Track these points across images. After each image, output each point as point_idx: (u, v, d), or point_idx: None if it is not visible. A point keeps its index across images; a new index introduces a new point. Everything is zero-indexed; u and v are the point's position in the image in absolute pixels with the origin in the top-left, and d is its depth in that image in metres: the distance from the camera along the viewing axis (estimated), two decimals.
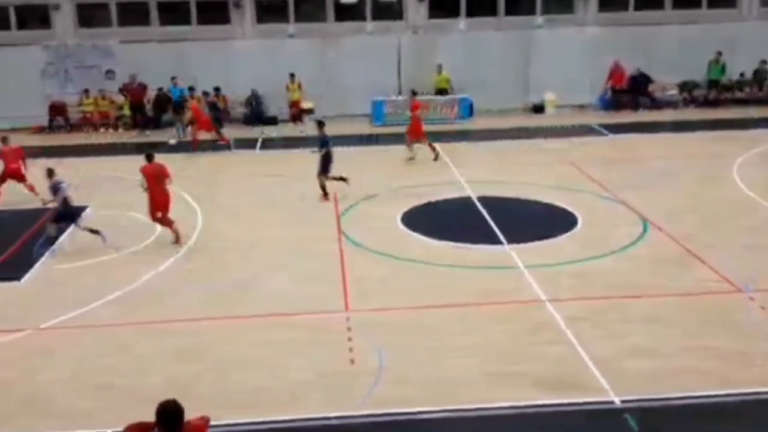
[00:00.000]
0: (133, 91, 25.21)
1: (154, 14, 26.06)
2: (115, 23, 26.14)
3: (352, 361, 9.71)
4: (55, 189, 14.17)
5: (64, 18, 25.62)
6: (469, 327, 10.66)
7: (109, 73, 25.44)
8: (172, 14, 26.25)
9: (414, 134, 20.12)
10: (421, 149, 20.13)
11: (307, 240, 14.36)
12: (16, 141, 23.02)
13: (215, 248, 14.12)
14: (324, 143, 16.76)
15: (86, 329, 10.88)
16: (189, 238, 14.51)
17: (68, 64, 25.40)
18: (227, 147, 22.07)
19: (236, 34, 26.34)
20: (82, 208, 14.23)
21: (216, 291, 12.10)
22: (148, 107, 25.49)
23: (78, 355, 10.10)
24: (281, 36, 26.32)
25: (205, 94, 24.74)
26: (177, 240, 14.25)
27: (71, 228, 14.59)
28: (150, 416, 5.73)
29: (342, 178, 16.83)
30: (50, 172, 14.34)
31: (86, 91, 25.40)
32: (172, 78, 25.01)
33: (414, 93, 21.15)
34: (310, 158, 20.53)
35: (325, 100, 25.89)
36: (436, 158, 19.95)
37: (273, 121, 25.93)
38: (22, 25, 25.90)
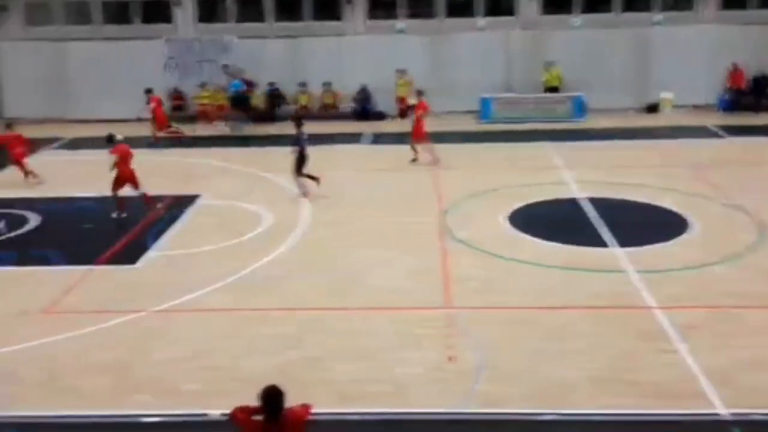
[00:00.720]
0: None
1: (270, 10, 26.75)
2: (232, 19, 27.00)
3: (454, 359, 9.71)
4: None
5: (185, 13, 26.65)
6: (574, 331, 10.45)
7: (226, 68, 26.25)
8: (288, 11, 26.87)
9: (417, 135, 19.56)
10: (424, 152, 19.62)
11: (411, 235, 14.43)
12: (137, 131, 24.21)
13: (322, 240, 14.40)
14: (298, 142, 16.56)
15: (197, 313, 11.33)
16: (295, 230, 14.87)
17: (188, 57, 26.41)
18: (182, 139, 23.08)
19: (348, 30, 26.70)
20: None
21: (321, 282, 12.33)
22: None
23: (189, 338, 10.51)
24: (392, 32, 26.52)
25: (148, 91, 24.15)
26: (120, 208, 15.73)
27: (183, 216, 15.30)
28: (255, 399, 5.93)
29: (313, 177, 16.67)
30: None
31: (203, 84, 26.34)
32: (230, 72, 25.68)
33: (420, 93, 20.64)
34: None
35: (433, 96, 25.89)
36: (413, 161, 19.44)
37: (380, 116, 26.16)
38: (146, 19, 27.08)
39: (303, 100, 26.44)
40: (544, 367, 9.49)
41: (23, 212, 16.11)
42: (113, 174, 15.71)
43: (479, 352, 9.83)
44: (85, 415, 8.66)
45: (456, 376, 9.29)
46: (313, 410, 6.23)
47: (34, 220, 15.74)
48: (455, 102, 25.79)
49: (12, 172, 19.24)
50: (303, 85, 26.28)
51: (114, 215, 15.76)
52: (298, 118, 17.09)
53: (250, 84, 25.92)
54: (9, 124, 19.56)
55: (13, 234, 14.94)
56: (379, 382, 9.21)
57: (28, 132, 23.12)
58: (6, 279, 12.80)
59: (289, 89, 26.30)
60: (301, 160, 16.54)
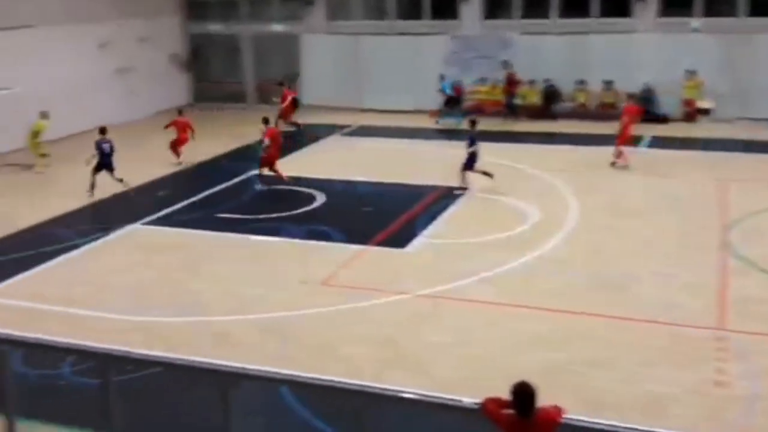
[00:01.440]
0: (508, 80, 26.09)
1: (554, 7, 26.48)
2: (516, 15, 27.11)
3: (722, 384, 9.06)
4: (98, 146, 17.28)
5: (472, 9, 27.25)
6: None
7: (505, 63, 26.46)
8: (573, 8, 26.39)
9: (623, 139, 19.12)
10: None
11: (686, 246, 13.62)
12: (413, 121, 25.32)
13: (588, 243, 14.09)
14: (472, 141, 17.18)
15: (459, 302, 11.67)
16: (562, 229, 14.70)
17: (470, 53, 27.02)
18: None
19: (637, 28, 25.62)
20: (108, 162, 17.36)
21: (583, 285, 12.09)
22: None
23: (449, 325, 10.89)
24: (684, 30, 25.00)
25: (281, 84, 24.91)
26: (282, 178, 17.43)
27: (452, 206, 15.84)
28: (506, 393, 6.01)
29: (486, 173, 17.13)
30: (102, 131, 17.44)
31: (482, 79, 26.79)
32: (441, 75, 25.76)
33: (630, 96, 20.03)
34: (701, 162, 19.43)
35: (724, 101, 24.09)
36: (613, 164, 19.13)
37: (663, 119, 24.81)
38: (435, 15, 28.10)
39: (581, 98, 25.87)
40: None
41: (312, 191, 17.61)
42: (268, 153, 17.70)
43: (753, 381, 9.08)
44: (349, 383, 9.32)
45: (722, 404, 8.67)
46: (565, 414, 6.18)
47: (320, 198, 17.16)
48: (750, 108, 23.74)
49: (302, 154, 21.10)
50: (581, 82, 25.72)
51: (288, 185, 17.43)
52: (473, 120, 18.09)
53: (516, 81, 25.90)
54: (180, 111, 21.01)
55: (302, 210, 16.41)
56: (634, 396, 8.87)
57: (322, 118, 25.32)
58: (293, 250, 14.13)
59: (566, 87, 25.88)
60: (471, 158, 17.20)
